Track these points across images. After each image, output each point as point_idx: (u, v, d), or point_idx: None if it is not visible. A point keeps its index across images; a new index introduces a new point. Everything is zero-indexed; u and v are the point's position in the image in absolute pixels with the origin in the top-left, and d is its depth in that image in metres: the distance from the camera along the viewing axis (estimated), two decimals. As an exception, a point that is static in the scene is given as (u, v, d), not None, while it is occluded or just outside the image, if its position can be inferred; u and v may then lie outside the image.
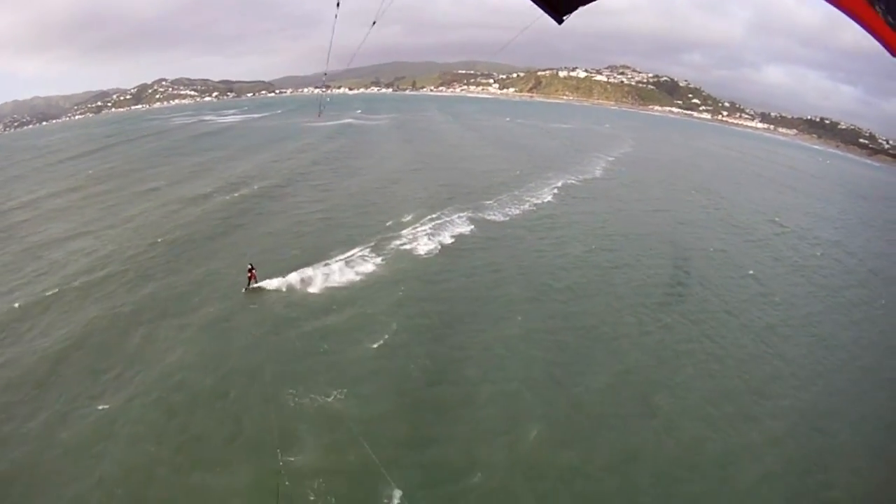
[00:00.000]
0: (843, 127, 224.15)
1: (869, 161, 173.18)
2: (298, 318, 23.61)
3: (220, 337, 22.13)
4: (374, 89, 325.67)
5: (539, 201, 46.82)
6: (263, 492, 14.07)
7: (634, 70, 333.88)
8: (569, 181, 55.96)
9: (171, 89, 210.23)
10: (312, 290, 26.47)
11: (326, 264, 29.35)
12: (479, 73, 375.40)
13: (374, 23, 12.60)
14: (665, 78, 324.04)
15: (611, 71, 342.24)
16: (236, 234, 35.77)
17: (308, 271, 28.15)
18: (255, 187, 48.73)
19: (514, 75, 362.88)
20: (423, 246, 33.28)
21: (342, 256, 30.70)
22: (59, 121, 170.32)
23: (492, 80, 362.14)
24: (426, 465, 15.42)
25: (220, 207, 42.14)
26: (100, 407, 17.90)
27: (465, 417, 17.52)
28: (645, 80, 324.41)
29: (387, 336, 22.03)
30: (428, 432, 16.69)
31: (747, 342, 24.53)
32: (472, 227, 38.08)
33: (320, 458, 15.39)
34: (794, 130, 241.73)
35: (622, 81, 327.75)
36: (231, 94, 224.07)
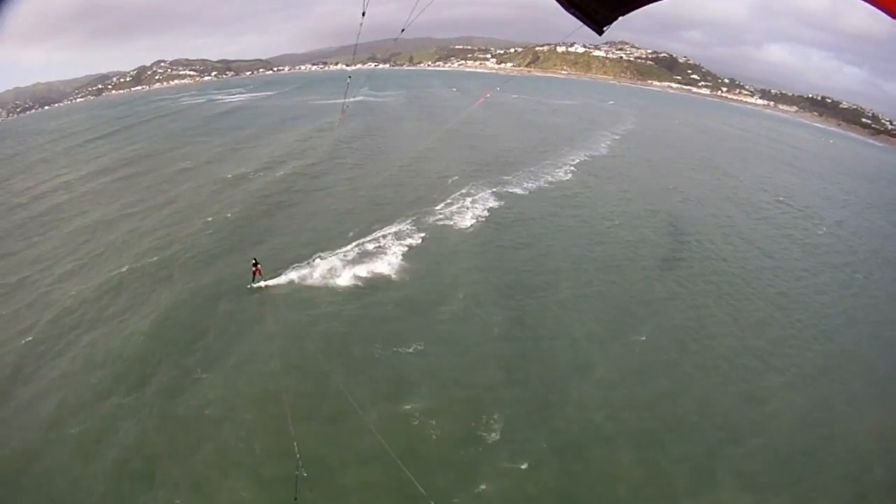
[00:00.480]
0: (845, 106, 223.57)
1: (871, 141, 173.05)
2: (373, 289, 25.63)
3: (303, 308, 24.05)
4: (371, 65, 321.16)
5: (557, 179, 48.67)
6: (395, 432, 16.35)
7: (633, 46, 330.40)
8: (582, 158, 57.58)
9: (170, 70, 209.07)
10: (375, 264, 28.27)
11: (377, 240, 31.19)
12: (476, 49, 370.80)
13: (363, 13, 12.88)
14: (664, 54, 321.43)
15: (609, 46, 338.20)
16: (283, 213, 37.22)
17: (367, 245, 30.13)
18: (290, 167, 49.83)
19: (512, 50, 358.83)
20: (463, 220, 35.22)
21: (390, 230, 32.55)
22: (61, 104, 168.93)
23: (489, 55, 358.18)
24: (516, 400, 18.22)
25: (261, 187, 43.40)
26: (205, 376, 19.69)
27: (540, 362, 20.32)
28: (644, 56, 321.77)
29: (458, 301, 24.39)
30: (512, 376, 19.52)
31: (761, 305, 27.40)
32: (502, 202, 40.08)
33: (432, 400, 17.79)
34: (795, 107, 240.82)
35: (621, 57, 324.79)
36: (230, 73, 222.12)
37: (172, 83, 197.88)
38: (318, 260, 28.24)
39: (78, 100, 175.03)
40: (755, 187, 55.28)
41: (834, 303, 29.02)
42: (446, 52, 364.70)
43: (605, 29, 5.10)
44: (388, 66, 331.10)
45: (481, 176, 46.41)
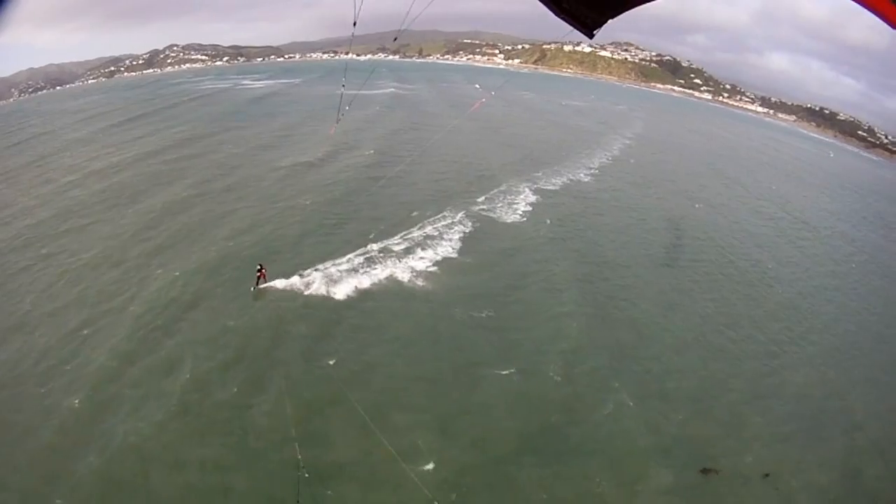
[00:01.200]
0: (843, 118, 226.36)
1: (866, 154, 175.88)
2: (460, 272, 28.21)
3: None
4: (381, 55, 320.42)
5: (582, 178, 52.21)
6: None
7: (638, 48, 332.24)
8: (602, 160, 60.77)
9: (182, 54, 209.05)
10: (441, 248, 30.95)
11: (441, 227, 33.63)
12: (484, 44, 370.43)
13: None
14: (668, 57, 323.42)
15: (615, 47, 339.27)
16: (353, 202, 38.90)
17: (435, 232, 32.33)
18: (345, 159, 51.34)
19: (520, 47, 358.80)
20: (510, 215, 38.66)
21: (450, 219, 34.99)
22: (73, 85, 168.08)
23: (497, 51, 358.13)
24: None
25: (335, 174, 45.71)
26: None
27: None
28: (648, 59, 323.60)
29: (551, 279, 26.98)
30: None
31: (778, 297, 31.93)
32: (538, 197, 43.52)
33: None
34: (794, 117, 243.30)
35: (626, 58, 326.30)
36: (241, 59, 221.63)
37: (184, 67, 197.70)
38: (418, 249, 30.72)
39: (90, 81, 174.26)
40: (766, 197, 58.35)
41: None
42: (455, 46, 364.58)
43: (595, 32, 5.24)
44: (397, 57, 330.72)
45: (521, 172, 49.89)
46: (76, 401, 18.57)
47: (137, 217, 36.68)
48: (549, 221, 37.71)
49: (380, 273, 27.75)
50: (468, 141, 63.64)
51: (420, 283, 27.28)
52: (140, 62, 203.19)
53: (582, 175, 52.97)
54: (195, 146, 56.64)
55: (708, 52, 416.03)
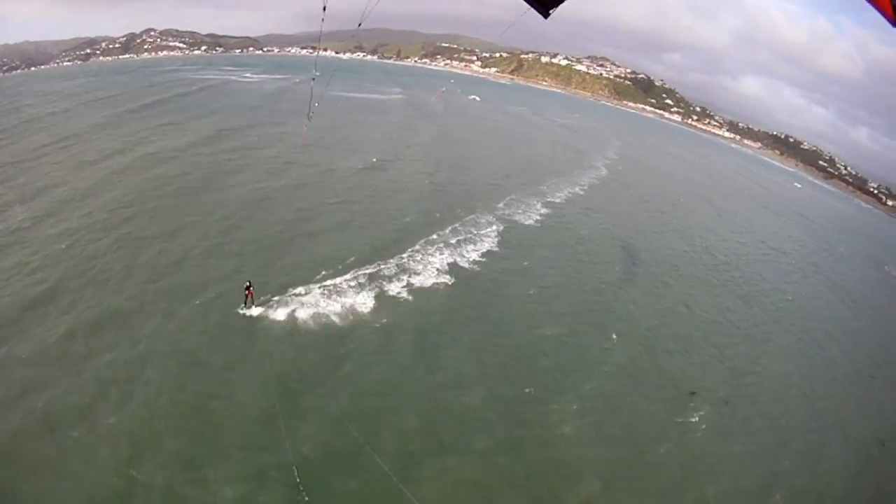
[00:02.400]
0: (806, 147, 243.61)
1: (824, 184, 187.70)
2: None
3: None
4: (360, 55, 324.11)
5: (577, 192, 61.80)
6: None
7: (613, 63, 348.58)
8: (591, 177, 70.50)
9: (159, 40, 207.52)
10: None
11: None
12: (462, 49, 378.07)
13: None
14: (642, 75, 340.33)
15: (591, 61, 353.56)
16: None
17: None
18: (414, 162, 59.69)
19: (497, 55, 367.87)
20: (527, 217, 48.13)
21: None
22: (48, 67, 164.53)
23: (475, 58, 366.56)
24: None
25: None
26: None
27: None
28: (622, 75, 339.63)
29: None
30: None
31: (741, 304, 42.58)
32: (546, 209, 52.14)
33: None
34: (759, 144, 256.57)
35: (601, 74, 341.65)
36: (219, 49, 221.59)
37: (161, 54, 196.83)
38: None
39: (66, 63, 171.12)
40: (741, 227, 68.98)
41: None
42: (433, 50, 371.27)
43: (551, 12, 5.59)
44: (375, 57, 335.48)
45: (524, 186, 58.18)
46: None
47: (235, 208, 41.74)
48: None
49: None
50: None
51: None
52: (116, 46, 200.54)
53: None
54: (243, 138, 60.98)
55: (682, 71, 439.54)
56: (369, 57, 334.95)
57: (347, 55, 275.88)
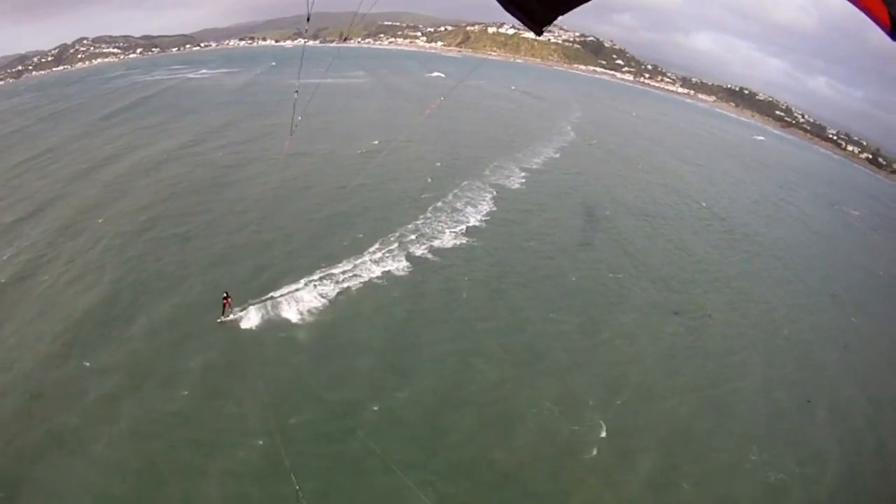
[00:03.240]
0: (762, 98, 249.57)
1: (783, 133, 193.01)
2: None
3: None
4: (301, 41, 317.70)
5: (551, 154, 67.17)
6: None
7: (562, 28, 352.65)
8: (561, 141, 76.08)
9: (93, 48, 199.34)
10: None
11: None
12: (405, 26, 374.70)
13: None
14: (591, 38, 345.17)
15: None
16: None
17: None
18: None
19: (442, 29, 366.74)
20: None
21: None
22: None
23: (419, 34, 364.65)
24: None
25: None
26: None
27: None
28: (571, 39, 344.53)
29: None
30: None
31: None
32: (525, 174, 57.59)
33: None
34: (713, 97, 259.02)
35: (549, 39, 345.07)
36: (156, 50, 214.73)
37: (97, 62, 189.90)
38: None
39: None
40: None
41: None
42: (375, 29, 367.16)
43: (544, 29, 5.77)
44: (318, 42, 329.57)
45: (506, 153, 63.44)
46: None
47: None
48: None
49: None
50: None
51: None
52: (49, 59, 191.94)
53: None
54: (237, 134, 63.32)
55: (633, 31, 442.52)
56: (311, 42, 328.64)
57: (289, 43, 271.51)
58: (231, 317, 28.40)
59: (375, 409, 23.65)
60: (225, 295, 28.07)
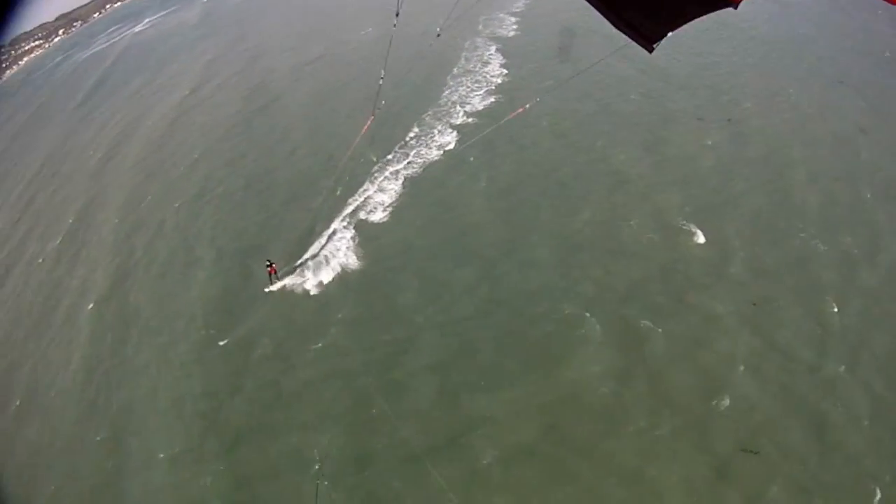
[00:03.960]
0: None
1: None
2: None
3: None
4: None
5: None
6: None
7: None
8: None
9: (13, 51, 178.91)
10: None
11: None
12: None
13: None
14: None
15: None
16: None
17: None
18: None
19: None
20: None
21: None
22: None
23: None
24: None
25: None
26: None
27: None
28: None
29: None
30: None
31: None
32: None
33: None
34: None
35: None
36: (79, 23, 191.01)
37: (23, 62, 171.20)
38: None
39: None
40: None
41: None
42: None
43: (654, 46, 5.51)
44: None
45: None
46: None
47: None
48: None
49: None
50: None
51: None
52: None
53: None
54: (234, 63, 54.31)
55: None
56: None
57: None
58: (279, 284, 26.40)
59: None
60: (268, 263, 26.25)
